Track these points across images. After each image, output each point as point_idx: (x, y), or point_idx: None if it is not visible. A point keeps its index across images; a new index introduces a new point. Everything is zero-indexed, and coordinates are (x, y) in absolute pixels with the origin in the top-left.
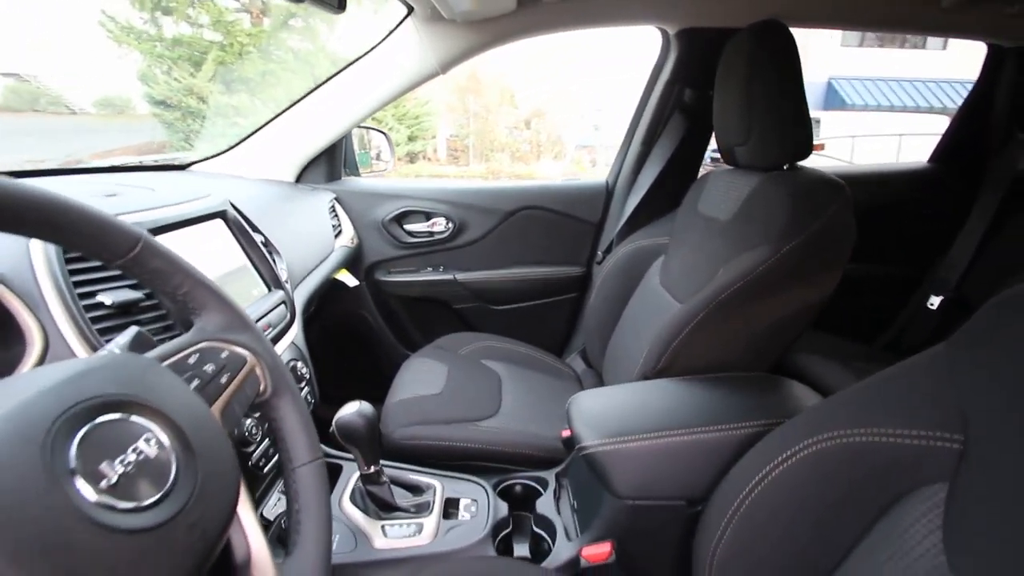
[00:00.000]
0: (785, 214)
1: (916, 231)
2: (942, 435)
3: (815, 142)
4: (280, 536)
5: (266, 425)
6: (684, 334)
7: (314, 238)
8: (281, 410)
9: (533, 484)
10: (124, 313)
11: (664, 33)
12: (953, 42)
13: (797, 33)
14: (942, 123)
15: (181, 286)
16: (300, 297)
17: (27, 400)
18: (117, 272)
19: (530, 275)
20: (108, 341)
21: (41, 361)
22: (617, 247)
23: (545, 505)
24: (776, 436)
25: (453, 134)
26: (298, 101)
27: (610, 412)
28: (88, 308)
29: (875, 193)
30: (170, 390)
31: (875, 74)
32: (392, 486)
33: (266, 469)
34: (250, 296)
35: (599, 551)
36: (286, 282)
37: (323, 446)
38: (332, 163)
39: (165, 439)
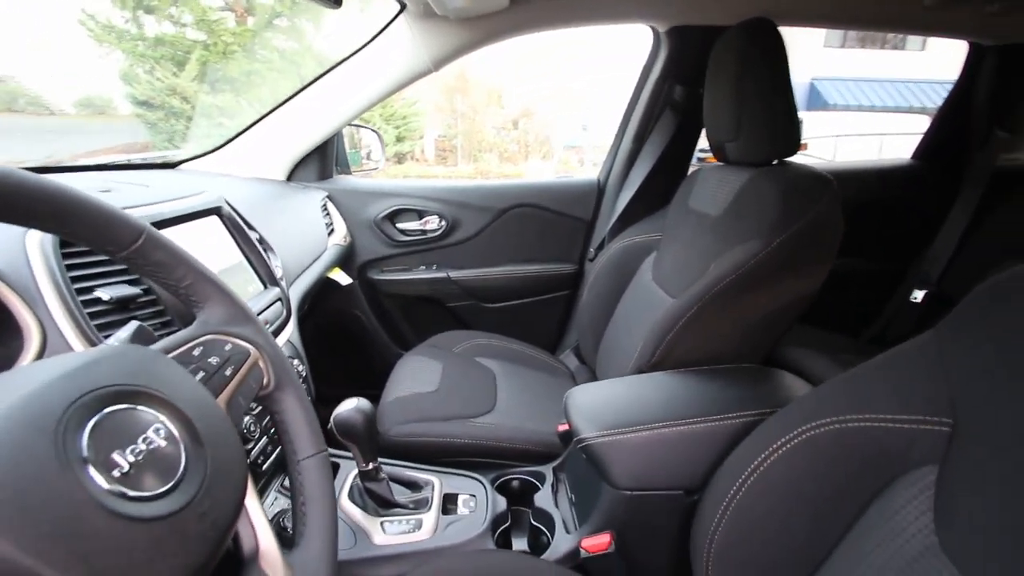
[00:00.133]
0: (775, 208)
1: (900, 226)
2: (931, 419)
3: None
4: (279, 533)
5: (264, 422)
6: (678, 328)
7: (307, 236)
8: (284, 403)
9: (530, 479)
10: (121, 309)
11: (654, 31)
12: (931, 43)
13: None
14: (922, 122)
15: (184, 278)
16: (294, 295)
17: (37, 389)
18: (114, 268)
19: (523, 272)
20: (106, 337)
21: (39, 356)
22: (609, 244)
23: (543, 499)
24: (770, 425)
25: (441, 134)
26: (289, 99)
27: (607, 405)
28: (86, 304)
29: (860, 189)
30: (177, 381)
31: (856, 75)
32: (390, 483)
33: (265, 467)
34: (246, 293)
35: (599, 542)
36: (281, 279)
37: None
38: (324, 161)
39: (174, 430)
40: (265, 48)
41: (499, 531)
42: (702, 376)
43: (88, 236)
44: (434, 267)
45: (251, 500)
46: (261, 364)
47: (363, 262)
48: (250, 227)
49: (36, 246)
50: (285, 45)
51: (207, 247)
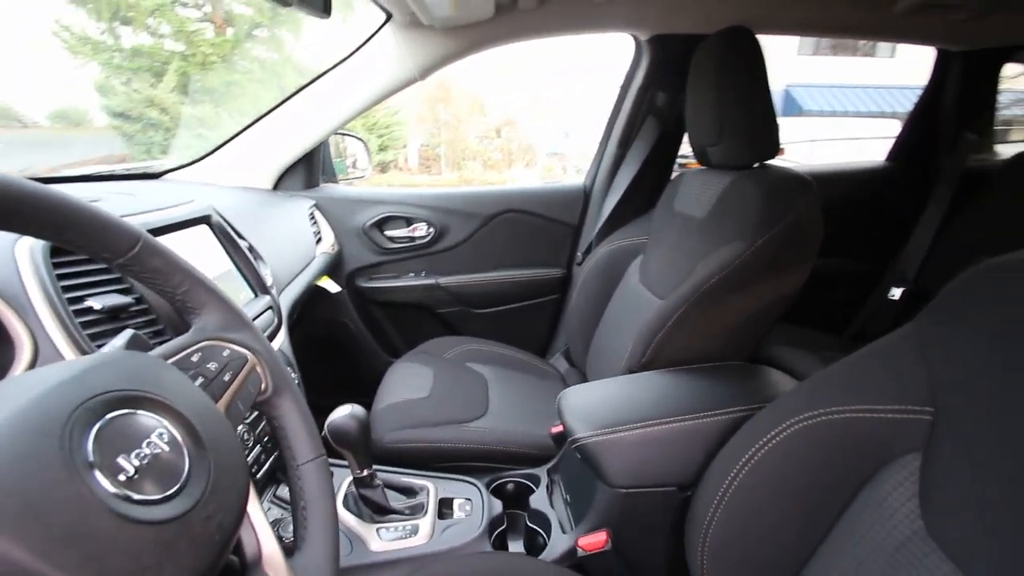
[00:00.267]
0: (758, 210)
1: (876, 226)
2: (914, 408)
3: None
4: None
5: (258, 430)
6: (667, 328)
7: (295, 245)
8: (282, 408)
9: (525, 481)
10: (113, 318)
11: (636, 40)
12: (901, 50)
13: None
14: (893, 127)
15: (180, 285)
16: (284, 303)
17: (41, 394)
18: (105, 277)
19: (511, 278)
20: (99, 346)
21: (32, 366)
22: (596, 248)
23: (538, 500)
24: (758, 420)
25: (424, 143)
26: (274, 108)
27: (600, 405)
28: (77, 313)
29: (837, 190)
30: (179, 386)
31: (829, 81)
32: (385, 489)
33: (258, 476)
34: (237, 301)
35: (595, 540)
36: (271, 287)
37: None
38: (310, 170)
39: (177, 434)
40: (245, 59)
41: (495, 534)
42: (691, 374)
43: (85, 243)
44: (423, 274)
45: (252, 505)
46: (259, 369)
47: (351, 270)
48: (239, 236)
49: (26, 255)
50: (265, 55)
51: (197, 256)
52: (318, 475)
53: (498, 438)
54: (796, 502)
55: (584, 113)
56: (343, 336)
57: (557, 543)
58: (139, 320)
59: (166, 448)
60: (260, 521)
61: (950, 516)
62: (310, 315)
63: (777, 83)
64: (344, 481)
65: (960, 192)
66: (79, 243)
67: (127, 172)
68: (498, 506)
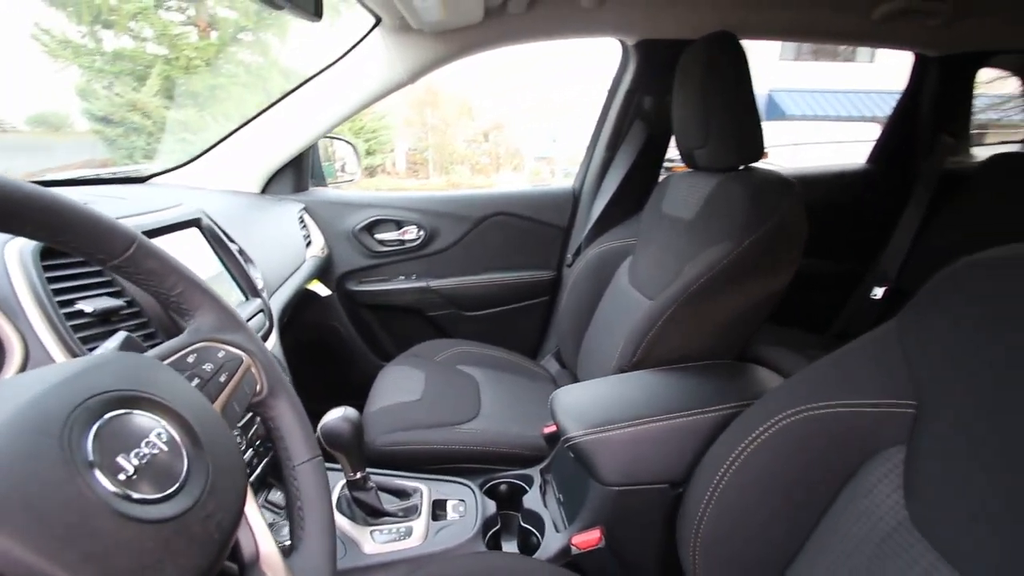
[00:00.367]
0: (744, 211)
1: (857, 227)
2: (897, 402)
3: None
4: None
5: (250, 434)
6: (656, 328)
7: (285, 248)
8: (277, 409)
9: (518, 482)
10: (104, 321)
11: (623, 45)
12: (880, 55)
13: None
14: (873, 130)
15: (175, 287)
16: (274, 307)
17: (39, 394)
18: (95, 280)
19: (502, 280)
20: (90, 349)
21: (22, 369)
22: (586, 250)
23: (531, 500)
24: (747, 416)
25: (412, 147)
26: (261, 112)
27: (592, 404)
28: (68, 316)
29: (819, 192)
30: (176, 387)
31: (811, 86)
32: (378, 492)
33: (251, 479)
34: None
35: (589, 538)
36: (262, 291)
37: None
38: (299, 174)
39: (175, 434)
40: (230, 62)
41: (489, 534)
42: (681, 373)
43: (81, 245)
44: (413, 277)
45: (249, 506)
46: (254, 371)
47: (341, 273)
48: (230, 239)
49: (15, 258)
50: (250, 59)
51: (187, 259)
52: (314, 476)
53: (490, 439)
54: (785, 496)
55: (571, 117)
56: (333, 340)
57: (551, 542)
58: (130, 323)
59: (164, 448)
60: (257, 521)
61: (933, 506)
62: (300, 319)
63: (760, 88)
64: (337, 484)
65: (938, 193)
66: (75, 244)
67: (113, 176)
68: (492, 507)
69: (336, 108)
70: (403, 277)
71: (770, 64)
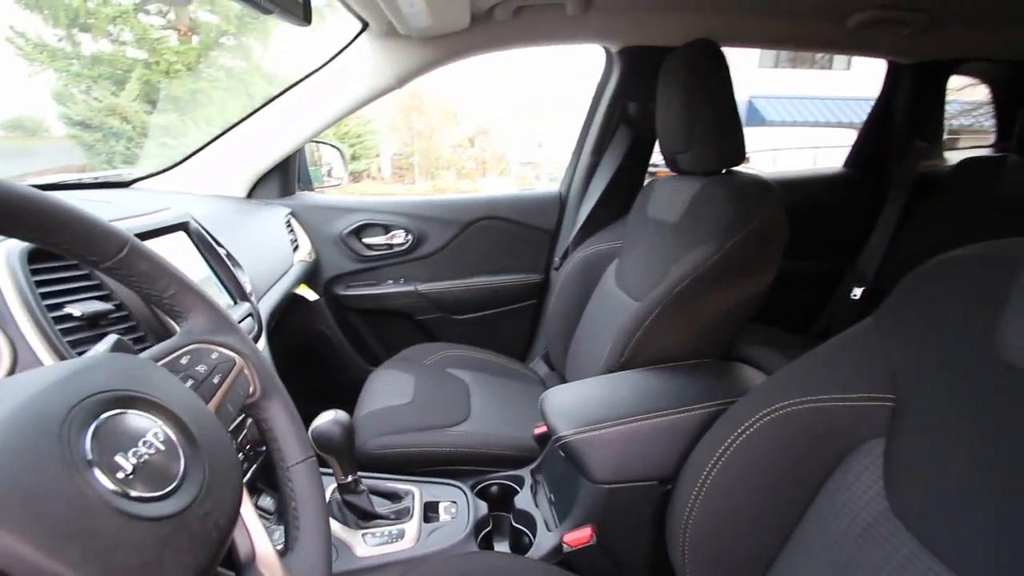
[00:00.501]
0: (728, 213)
1: (836, 229)
2: (875, 396)
3: None
4: None
5: (239, 438)
6: (643, 328)
7: (273, 253)
8: (271, 411)
9: (509, 483)
10: (92, 325)
11: (607, 51)
12: (856, 63)
13: None
14: (851, 136)
15: (167, 289)
16: (262, 311)
17: (37, 393)
18: (84, 284)
19: (490, 284)
20: (79, 353)
21: (11, 373)
22: (573, 253)
23: (523, 501)
24: (732, 413)
25: (397, 152)
26: (247, 117)
27: (582, 403)
28: (56, 320)
29: (799, 195)
30: (171, 387)
31: (789, 93)
32: (370, 495)
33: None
34: None
35: (580, 536)
36: (251, 294)
37: None
38: (286, 178)
39: (171, 434)
40: (211, 67)
41: (482, 535)
42: (668, 372)
43: (74, 247)
44: (401, 281)
45: (245, 507)
46: (247, 372)
47: (329, 278)
48: (217, 243)
49: (3, 262)
50: (232, 64)
51: (175, 263)
52: (309, 476)
53: (481, 441)
54: (770, 489)
55: (557, 123)
56: (321, 344)
57: (543, 541)
58: (119, 327)
59: (161, 447)
60: (252, 522)
61: (913, 495)
62: (287, 324)
63: (741, 94)
64: (328, 488)
65: (913, 196)
66: (68, 246)
67: (96, 181)
68: (483, 508)
69: (323, 112)
70: (391, 281)
71: (750, 71)
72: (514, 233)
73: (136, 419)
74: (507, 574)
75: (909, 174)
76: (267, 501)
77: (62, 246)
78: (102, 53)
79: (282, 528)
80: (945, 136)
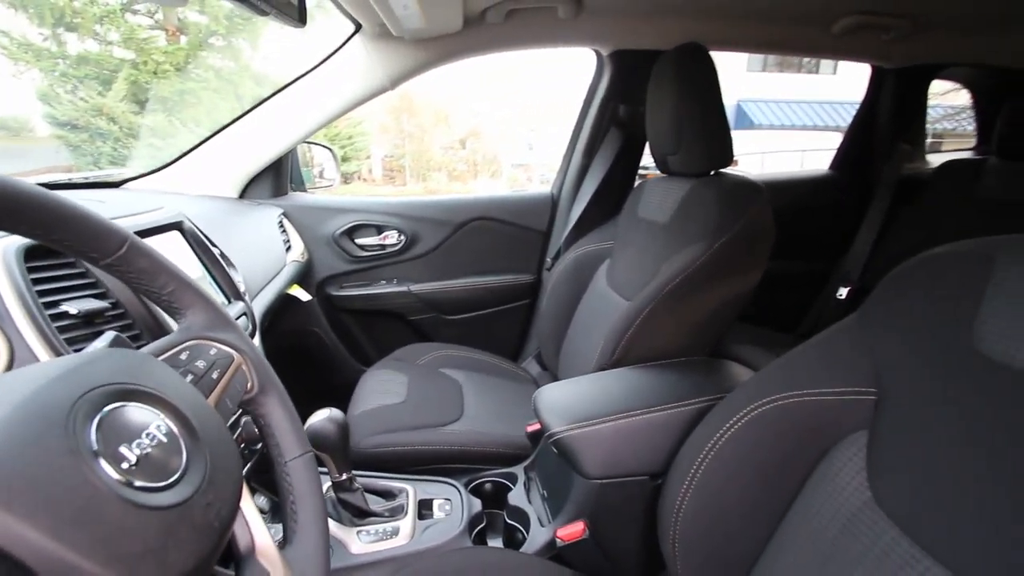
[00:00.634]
0: (716, 213)
1: (822, 230)
2: (859, 390)
3: None
4: None
5: (234, 436)
6: (634, 327)
7: (265, 253)
8: (268, 406)
9: (502, 480)
10: (88, 323)
11: (598, 54)
12: (842, 68)
13: None
14: (837, 139)
15: (166, 285)
16: (256, 311)
17: (41, 386)
18: (80, 282)
19: (482, 284)
20: (76, 350)
21: (8, 369)
22: (565, 254)
23: (516, 497)
24: (720, 409)
25: (388, 154)
26: (239, 117)
27: (574, 400)
28: (53, 317)
29: (786, 197)
30: (172, 381)
31: (777, 96)
32: (364, 493)
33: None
34: None
35: (573, 530)
36: (244, 294)
37: None
38: (278, 179)
39: (173, 427)
40: (200, 67)
41: (475, 531)
42: (659, 369)
43: (74, 243)
44: (394, 281)
45: (245, 499)
46: (245, 368)
47: (322, 278)
48: (211, 243)
49: None
50: (221, 64)
51: None
52: (306, 470)
53: (474, 439)
54: (758, 482)
55: (548, 125)
56: (314, 345)
57: (536, 536)
58: (115, 324)
59: (164, 440)
60: (252, 514)
61: (894, 485)
62: (280, 325)
63: (730, 98)
64: (323, 486)
65: (897, 198)
66: (68, 243)
67: (86, 181)
68: (477, 505)
69: (316, 113)
70: (384, 282)
71: (738, 75)
72: (506, 234)
73: (139, 412)
74: (501, 569)
75: (893, 176)
76: (260, 500)
77: (63, 242)
78: (89, 53)
79: (277, 526)
80: (930, 139)
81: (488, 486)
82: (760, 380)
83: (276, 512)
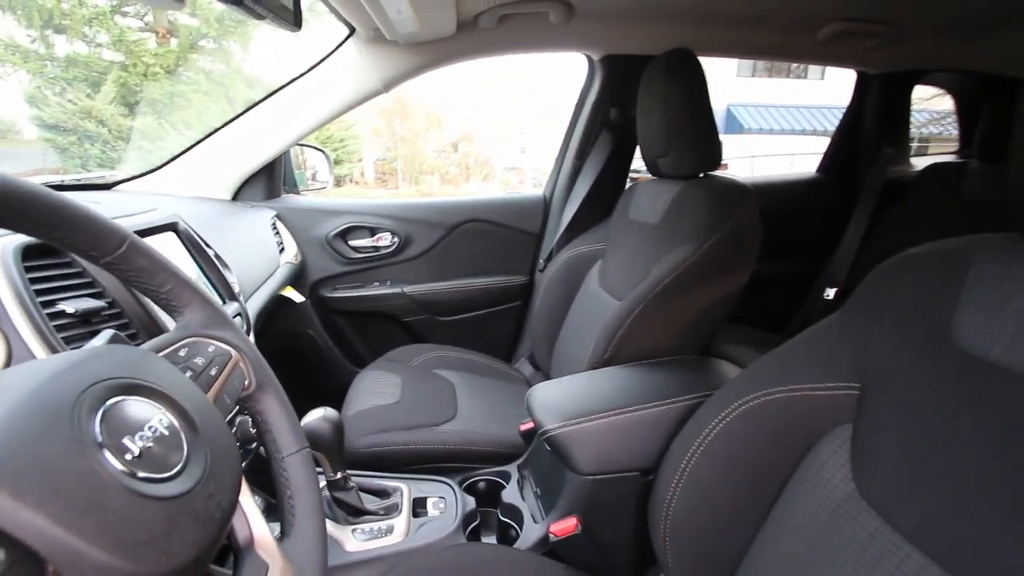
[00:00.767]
0: (706, 214)
1: (810, 232)
2: (843, 385)
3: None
4: None
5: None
6: (626, 326)
7: (259, 254)
8: (265, 403)
9: (496, 479)
10: (85, 322)
11: (589, 59)
12: (829, 73)
13: None
14: (824, 143)
15: (165, 284)
16: (250, 312)
17: (46, 380)
18: (77, 281)
19: (476, 286)
20: (73, 349)
21: (6, 367)
22: (557, 255)
23: (510, 495)
24: (708, 405)
25: (380, 157)
26: (232, 120)
27: (566, 398)
28: (50, 316)
29: (774, 199)
30: (172, 377)
31: (767, 101)
32: (359, 492)
33: None
34: None
35: (566, 526)
36: (239, 295)
37: None
38: (271, 181)
39: (175, 421)
40: (190, 70)
41: (469, 529)
42: (650, 367)
43: (75, 242)
44: (388, 283)
45: (243, 493)
46: (242, 365)
47: (315, 280)
48: (206, 244)
49: None
50: (212, 67)
51: None
52: (303, 466)
53: (468, 439)
54: (746, 476)
55: (540, 130)
56: (307, 346)
57: (530, 532)
58: (111, 324)
59: (165, 433)
60: (250, 507)
61: (877, 477)
62: (273, 326)
63: (720, 103)
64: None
65: (882, 200)
66: (69, 241)
67: (77, 183)
68: (471, 502)
69: (309, 116)
70: (377, 283)
71: (728, 80)
72: (499, 236)
73: (141, 406)
74: (495, 565)
75: (878, 179)
76: (255, 500)
77: (65, 241)
78: (77, 55)
79: (273, 524)
80: (916, 143)
81: (482, 484)
82: (748, 376)
83: (271, 511)
